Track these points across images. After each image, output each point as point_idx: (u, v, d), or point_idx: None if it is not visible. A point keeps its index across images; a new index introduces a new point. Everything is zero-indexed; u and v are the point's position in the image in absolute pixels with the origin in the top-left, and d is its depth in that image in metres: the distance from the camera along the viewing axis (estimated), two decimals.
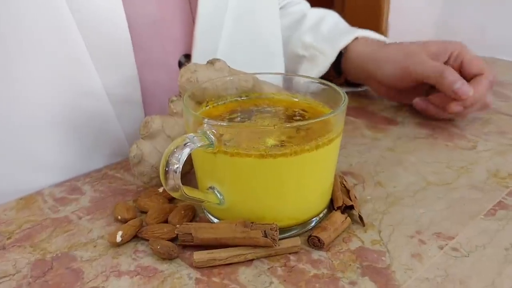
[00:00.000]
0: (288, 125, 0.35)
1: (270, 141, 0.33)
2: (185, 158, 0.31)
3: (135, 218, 0.38)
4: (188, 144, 0.32)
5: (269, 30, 0.57)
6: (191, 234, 0.34)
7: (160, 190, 0.40)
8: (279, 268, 0.33)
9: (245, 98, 0.41)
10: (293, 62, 0.63)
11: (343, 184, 0.40)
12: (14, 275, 0.33)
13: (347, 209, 0.38)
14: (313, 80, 0.40)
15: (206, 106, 0.40)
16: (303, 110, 0.39)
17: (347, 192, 0.39)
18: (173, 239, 0.35)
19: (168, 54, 0.49)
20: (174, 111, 0.41)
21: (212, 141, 0.32)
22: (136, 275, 0.32)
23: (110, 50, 0.44)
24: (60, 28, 0.41)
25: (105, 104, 0.45)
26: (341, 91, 0.37)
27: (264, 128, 0.34)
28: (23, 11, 0.40)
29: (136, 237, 0.36)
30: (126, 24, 0.44)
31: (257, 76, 0.42)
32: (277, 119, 0.37)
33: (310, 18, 0.65)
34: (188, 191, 0.32)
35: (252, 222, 0.33)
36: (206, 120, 0.32)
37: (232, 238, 0.33)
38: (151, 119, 0.40)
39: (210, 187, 0.35)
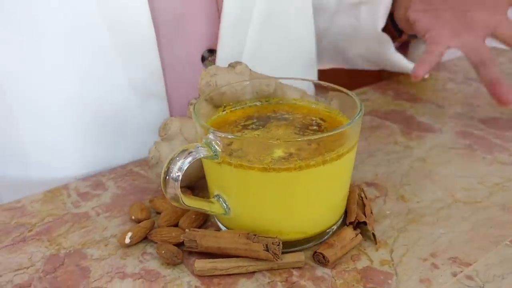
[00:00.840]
0: (291, 140, 0.34)
1: (278, 153, 0.32)
2: (186, 167, 0.31)
3: (148, 219, 0.39)
4: (192, 153, 0.32)
5: (300, 26, 0.56)
6: (196, 241, 0.34)
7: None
8: (279, 283, 0.32)
9: (265, 103, 0.41)
10: (351, 15, 0.61)
11: (361, 197, 0.39)
12: (28, 268, 0.34)
13: (361, 224, 0.37)
14: (333, 87, 0.39)
15: (223, 111, 0.39)
16: (321, 119, 0.38)
17: (363, 206, 0.38)
18: (180, 244, 0.36)
19: (192, 48, 0.50)
20: (200, 113, 0.41)
21: (216, 151, 0.32)
22: (139, 278, 0.33)
23: (135, 46, 0.45)
24: (87, 23, 0.43)
25: (130, 98, 0.47)
26: (358, 101, 0.35)
27: (267, 142, 0.33)
28: (52, 6, 0.42)
29: (146, 238, 0.37)
30: (151, 21, 0.45)
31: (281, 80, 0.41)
32: (292, 128, 0.36)
33: None
34: (189, 200, 0.32)
35: (255, 235, 0.33)
36: (211, 130, 0.32)
37: (234, 248, 0.33)
38: (170, 121, 0.41)
39: (217, 195, 0.35)
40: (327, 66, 0.71)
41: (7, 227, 0.39)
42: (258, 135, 0.36)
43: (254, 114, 0.39)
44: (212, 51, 0.51)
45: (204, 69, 0.49)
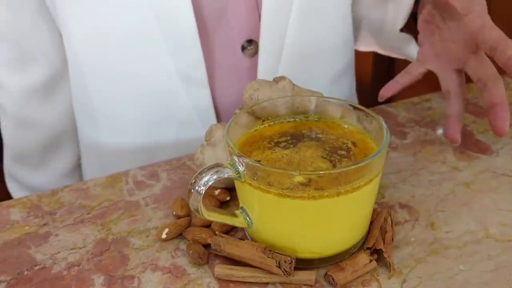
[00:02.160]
0: (306, 172, 0.35)
1: (298, 178, 0.34)
2: (211, 183, 0.34)
3: (187, 216, 0.43)
4: (218, 172, 0.35)
5: (339, 17, 0.58)
6: (220, 246, 0.38)
7: (216, 192, 0.44)
8: None
9: (303, 119, 0.42)
10: (380, 10, 0.61)
11: (386, 222, 0.39)
12: (80, 248, 0.40)
13: (379, 250, 0.38)
14: (365, 111, 0.39)
15: (262, 125, 0.42)
16: (353, 142, 0.39)
17: (385, 232, 0.39)
18: (209, 245, 0.39)
19: (233, 38, 0.54)
20: (240, 124, 0.44)
21: (239, 173, 0.35)
22: (167, 273, 0.38)
23: (179, 36, 0.50)
24: (139, 14, 0.49)
25: (176, 83, 0.53)
26: (386, 132, 0.36)
27: (284, 172, 0.34)
28: (109, 7, 0.49)
29: (181, 235, 0.41)
30: (192, 13, 0.49)
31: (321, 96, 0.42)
32: (321, 150, 0.38)
33: None
34: (209, 213, 0.36)
35: (271, 250, 0.36)
36: (236, 153, 0.35)
37: (251, 259, 0.36)
38: (216, 127, 0.44)
39: (241, 208, 0.38)
40: (365, 49, 0.70)
41: (72, 207, 0.45)
42: (286, 154, 0.38)
43: (290, 130, 0.41)
44: (251, 41, 0.54)
45: (244, 57, 0.55)
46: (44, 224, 0.43)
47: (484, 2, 0.46)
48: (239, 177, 0.35)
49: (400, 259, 0.38)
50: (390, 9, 0.59)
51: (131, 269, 0.38)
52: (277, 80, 0.43)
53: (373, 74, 1.22)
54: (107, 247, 0.40)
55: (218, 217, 0.37)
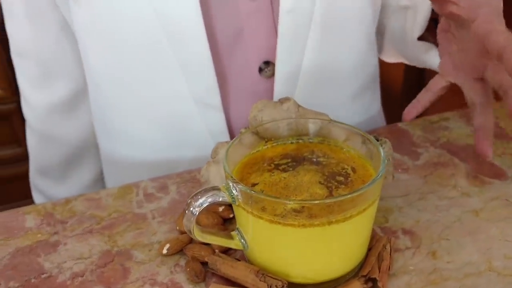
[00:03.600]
0: (296, 202, 0.35)
1: (291, 205, 0.35)
2: (205, 206, 0.35)
3: None
4: (213, 195, 0.35)
5: (362, 39, 0.56)
6: (216, 265, 0.38)
7: (220, 209, 0.45)
8: None
9: (307, 141, 0.42)
10: (399, 17, 0.60)
11: (385, 249, 0.39)
12: (86, 259, 0.42)
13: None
14: (367, 137, 0.39)
15: (265, 145, 0.42)
16: (352, 168, 0.39)
17: (382, 260, 0.38)
18: (207, 263, 0.40)
19: (249, 61, 0.54)
20: (243, 143, 0.44)
21: (234, 197, 0.35)
22: None
23: (192, 59, 0.51)
24: (150, 34, 0.50)
25: (190, 106, 0.53)
26: (383, 159, 0.36)
27: (276, 200, 0.35)
28: (121, 24, 0.50)
29: (182, 251, 0.42)
30: (205, 37, 0.49)
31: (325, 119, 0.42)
32: (319, 175, 0.38)
33: None
34: (203, 235, 0.37)
35: (263, 274, 0.36)
36: (231, 179, 0.35)
37: (244, 281, 0.37)
38: (221, 145, 0.45)
39: (237, 229, 0.38)
40: (392, 60, 0.69)
41: (83, 217, 0.47)
42: (284, 178, 0.38)
43: (292, 152, 0.41)
44: (268, 63, 0.54)
45: (261, 78, 0.55)
46: (55, 233, 0.45)
47: (496, 3, 0.43)
48: (234, 201, 0.35)
49: None
50: (408, 16, 0.58)
51: (131, 283, 0.39)
52: (282, 101, 0.43)
53: (404, 85, 1.19)
54: (111, 259, 0.42)
55: (212, 239, 0.37)
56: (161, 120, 0.55)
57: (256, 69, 0.54)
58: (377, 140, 0.44)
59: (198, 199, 0.35)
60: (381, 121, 0.68)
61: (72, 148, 0.64)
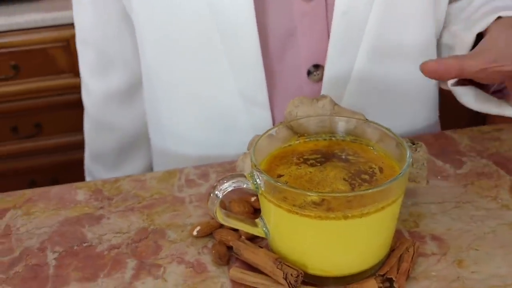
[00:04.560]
0: (316, 194, 0.35)
1: (312, 197, 0.35)
2: (229, 190, 0.37)
3: None
4: (238, 181, 0.37)
5: (420, 52, 0.54)
6: (240, 250, 0.40)
7: (252, 199, 0.47)
8: None
9: (339, 139, 0.43)
10: (445, 55, 0.57)
11: (408, 251, 0.39)
12: (124, 234, 0.45)
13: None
14: (397, 140, 0.39)
15: (297, 140, 0.43)
16: (380, 168, 0.39)
17: (402, 262, 0.38)
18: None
19: (300, 62, 0.54)
20: (276, 136, 0.46)
21: (258, 186, 0.37)
22: (190, 267, 0.41)
23: (242, 55, 0.52)
24: (202, 29, 0.51)
25: (237, 102, 0.54)
26: (408, 159, 0.36)
27: (295, 191, 0.35)
28: (176, 17, 0.52)
29: (211, 234, 0.44)
30: (257, 36, 0.50)
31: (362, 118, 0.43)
32: (345, 172, 0.38)
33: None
34: (227, 219, 0.38)
35: (281, 262, 0.37)
36: (255, 168, 0.37)
37: (263, 267, 0.38)
38: (257, 138, 0.46)
39: (261, 217, 0.40)
40: None
41: (127, 195, 0.50)
42: (310, 172, 0.39)
43: (323, 148, 0.42)
44: (318, 66, 0.54)
45: (308, 81, 0.55)
46: (101, 207, 0.49)
47: None
48: (257, 189, 0.37)
49: None
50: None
51: (161, 258, 0.42)
52: (318, 98, 0.44)
53: None
54: (146, 235, 0.45)
55: (235, 224, 0.39)
56: (208, 116, 0.57)
57: (305, 72, 0.55)
58: (413, 144, 0.44)
59: (224, 183, 0.37)
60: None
61: (125, 137, 0.67)
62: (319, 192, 0.36)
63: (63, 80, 1.37)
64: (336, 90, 0.54)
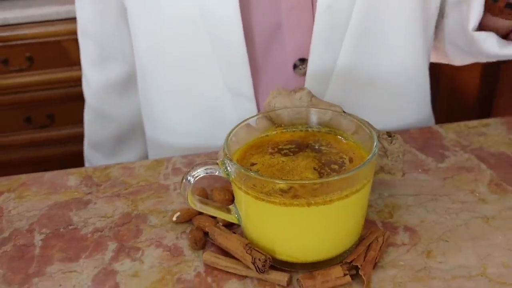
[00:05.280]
0: (288, 182, 0.37)
1: (280, 185, 0.37)
2: (200, 176, 0.38)
3: None
4: (210, 168, 0.38)
5: (407, 42, 0.54)
6: (214, 235, 0.42)
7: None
8: None
9: (315, 130, 0.44)
10: (456, 14, 0.57)
11: (377, 241, 0.40)
12: (108, 218, 0.47)
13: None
14: (370, 131, 0.39)
15: (274, 131, 0.44)
16: (350, 158, 0.40)
17: (370, 251, 0.39)
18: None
19: (286, 56, 0.55)
20: (256, 127, 0.47)
21: (228, 173, 0.38)
22: (167, 251, 0.42)
23: (227, 49, 0.53)
24: (193, 30, 0.53)
25: (224, 95, 0.56)
26: (373, 151, 0.36)
27: (263, 179, 0.37)
28: (164, 9, 0.53)
29: (191, 220, 0.46)
30: (241, 28, 0.51)
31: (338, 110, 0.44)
32: (315, 162, 0.39)
33: None
34: (200, 205, 0.40)
35: (251, 247, 0.38)
36: (227, 157, 0.38)
37: (234, 252, 0.39)
38: (240, 129, 0.47)
39: (234, 204, 0.41)
40: (461, 62, 0.65)
41: (115, 182, 0.52)
42: (283, 161, 0.40)
43: (298, 139, 0.43)
44: (303, 60, 0.55)
45: (294, 75, 0.56)
46: (89, 193, 0.51)
47: None
48: (228, 176, 0.38)
49: (380, 280, 0.38)
50: (463, 9, 0.56)
51: (140, 242, 0.44)
52: (296, 90, 0.45)
53: (480, 94, 1.13)
54: (129, 220, 0.47)
55: (208, 210, 0.41)
56: (197, 109, 0.58)
57: (291, 66, 0.56)
58: (389, 136, 0.44)
59: (196, 169, 0.39)
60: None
61: (123, 127, 0.69)
62: (285, 180, 0.37)
63: (76, 72, 1.40)
64: (320, 84, 0.54)
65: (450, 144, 0.54)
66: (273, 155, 0.41)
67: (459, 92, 1.19)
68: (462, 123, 0.57)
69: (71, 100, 1.41)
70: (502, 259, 0.39)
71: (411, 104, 0.61)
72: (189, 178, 0.38)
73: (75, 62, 1.43)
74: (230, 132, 0.41)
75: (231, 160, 0.37)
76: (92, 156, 0.72)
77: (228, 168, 0.38)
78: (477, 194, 0.46)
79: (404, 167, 0.50)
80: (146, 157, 0.72)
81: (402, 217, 0.44)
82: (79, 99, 0.75)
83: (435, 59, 0.66)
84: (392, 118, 0.60)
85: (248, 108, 0.56)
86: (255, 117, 0.44)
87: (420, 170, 0.50)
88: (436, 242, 0.41)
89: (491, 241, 0.41)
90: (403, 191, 0.47)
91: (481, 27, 0.55)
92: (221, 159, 0.39)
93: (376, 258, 0.39)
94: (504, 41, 0.53)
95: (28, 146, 1.45)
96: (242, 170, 0.37)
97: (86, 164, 0.74)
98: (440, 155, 0.52)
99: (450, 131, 0.56)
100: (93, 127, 0.70)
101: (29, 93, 1.41)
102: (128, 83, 0.67)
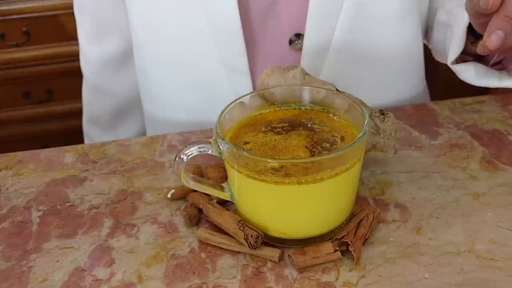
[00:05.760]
0: (280, 161, 0.37)
1: (272, 164, 0.37)
2: (193, 155, 0.39)
3: None
4: (202, 147, 0.39)
5: (402, 24, 0.55)
6: (208, 212, 0.42)
7: None
8: (251, 268, 0.39)
9: (308, 108, 0.44)
10: (442, 32, 0.57)
11: (367, 218, 0.40)
12: (104, 195, 0.48)
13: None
14: (362, 108, 0.40)
15: (268, 109, 0.44)
16: (342, 137, 0.40)
17: (360, 228, 0.39)
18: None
19: (282, 32, 0.55)
20: (250, 105, 0.47)
21: (221, 152, 0.38)
22: (162, 227, 0.43)
23: (223, 24, 0.53)
24: (186, 2, 0.53)
25: (219, 70, 0.56)
26: (364, 129, 0.37)
27: (254, 158, 0.37)
28: None
29: (186, 197, 0.46)
30: (236, 5, 0.51)
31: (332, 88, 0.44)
32: (307, 140, 0.40)
33: None
34: (193, 182, 0.40)
35: (243, 224, 0.39)
36: (219, 137, 0.38)
37: (227, 228, 0.40)
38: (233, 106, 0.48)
39: (227, 182, 0.41)
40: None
41: (111, 159, 0.53)
42: (275, 140, 0.40)
43: (292, 117, 0.43)
44: (299, 35, 0.55)
45: (290, 50, 0.56)
46: (86, 170, 0.51)
47: None
48: (221, 154, 0.39)
49: (370, 256, 0.39)
50: (447, 36, 0.54)
51: (136, 219, 0.44)
52: (289, 68, 0.45)
53: None
54: (125, 197, 0.47)
55: (202, 187, 0.41)
56: (193, 83, 0.59)
57: (287, 41, 0.56)
58: (382, 114, 0.44)
59: (189, 148, 0.39)
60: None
61: (120, 102, 0.70)
62: (277, 159, 0.37)
63: (74, 47, 1.37)
64: (316, 59, 0.54)
65: (444, 121, 0.54)
66: (266, 134, 0.41)
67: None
68: (457, 100, 0.57)
69: (70, 75, 1.41)
70: (490, 236, 0.40)
71: (406, 79, 0.61)
72: (182, 156, 0.39)
73: (73, 37, 1.41)
74: (223, 111, 0.41)
75: (223, 139, 0.38)
76: (90, 130, 0.73)
77: (221, 147, 0.38)
78: (469, 171, 0.47)
79: (397, 145, 0.50)
80: (144, 132, 0.73)
81: (393, 194, 0.45)
82: (78, 74, 0.75)
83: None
84: (387, 93, 0.61)
85: (243, 84, 0.56)
86: (249, 95, 0.44)
87: (413, 148, 0.50)
88: (426, 219, 0.42)
89: (481, 218, 0.41)
90: (395, 168, 0.48)
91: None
92: (214, 138, 0.39)
93: (366, 234, 0.39)
94: (482, 70, 0.50)
95: (27, 121, 1.46)
96: (234, 149, 0.37)
97: (85, 138, 0.75)
98: (434, 132, 0.52)
99: (445, 108, 0.56)
100: (91, 102, 0.71)
101: (27, 68, 1.40)
102: (125, 58, 0.67)
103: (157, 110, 0.64)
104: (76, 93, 1.50)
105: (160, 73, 0.60)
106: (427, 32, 0.63)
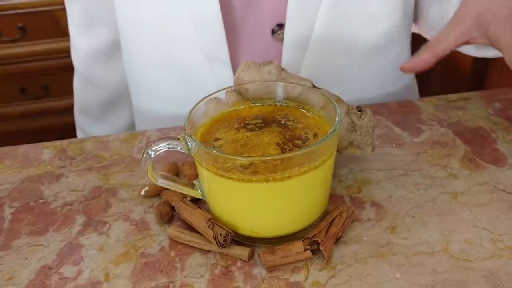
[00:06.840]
0: (249, 159, 0.36)
1: (241, 161, 0.36)
2: (160, 151, 0.38)
3: None
4: (171, 143, 0.38)
5: (384, 16, 0.54)
6: (180, 209, 0.41)
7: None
8: (219, 267, 0.38)
9: (283, 104, 0.43)
10: (437, 9, 0.56)
11: (341, 217, 0.39)
12: (79, 192, 0.47)
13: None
14: (334, 105, 0.39)
15: (242, 105, 0.43)
16: (314, 134, 0.39)
17: (332, 227, 0.39)
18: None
19: (263, 22, 0.54)
20: (225, 101, 0.46)
21: (190, 148, 0.38)
22: (134, 225, 0.43)
23: (204, 15, 0.52)
24: None
25: (200, 61, 0.55)
26: (335, 127, 0.36)
27: (222, 156, 0.36)
28: None
29: (160, 195, 0.45)
30: None
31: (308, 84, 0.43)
32: (280, 137, 0.39)
33: None
34: (161, 180, 0.39)
35: (213, 222, 0.38)
36: (188, 134, 0.37)
37: (197, 226, 0.39)
38: (209, 101, 0.47)
39: (198, 179, 0.41)
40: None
41: (88, 155, 0.52)
42: (247, 136, 0.39)
43: (266, 114, 0.42)
44: (282, 26, 0.54)
45: (273, 41, 0.56)
46: (62, 166, 0.50)
47: None
48: (189, 151, 0.38)
49: (341, 255, 0.38)
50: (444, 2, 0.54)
51: (108, 216, 0.44)
52: (264, 63, 0.44)
53: (473, 68, 1.11)
54: (99, 194, 0.47)
55: (170, 185, 0.40)
56: (178, 75, 0.58)
57: (269, 31, 0.55)
58: (359, 111, 0.43)
59: (157, 144, 0.38)
60: (412, 97, 0.66)
61: (110, 93, 0.69)
62: (245, 156, 0.36)
63: (70, 43, 1.39)
64: (297, 50, 0.54)
65: (428, 118, 0.53)
66: (239, 130, 0.40)
67: (453, 66, 1.18)
68: (442, 97, 0.56)
69: (66, 71, 1.40)
70: (465, 235, 0.39)
71: (390, 71, 0.60)
72: (150, 152, 0.38)
73: (68, 32, 1.42)
74: (193, 108, 0.40)
75: (191, 136, 0.37)
76: (81, 121, 0.73)
77: (189, 143, 0.38)
78: (449, 170, 0.46)
79: (378, 142, 0.49)
80: (134, 123, 0.72)
81: (370, 192, 0.44)
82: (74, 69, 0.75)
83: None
84: (371, 86, 0.60)
85: (225, 75, 0.56)
86: (224, 91, 0.43)
87: (394, 145, 0.49)
88: (402, 218, 0.41)
89: (458, 217, 0.40)
90: (374, 166, 0.47)
91: None
92: (182, 134, 0.38)
93: (338, 233, 0.39)
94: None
95: (23, 117, 1.45)
96: (202, 147, 0.36)
97: (77, 129, 0.75)
98: (417, 129, 0.51)
99: (429, 105, 0.55)
100: (81, 92, 0.71)
101: (23, 63, 1.40)
102: (114, 49, 0.66)
103: (145, 102, 0.64)
104: (72, 89, 1.51)
105: (146, 65, 0.60)
106: (417, 15, 0.62)
